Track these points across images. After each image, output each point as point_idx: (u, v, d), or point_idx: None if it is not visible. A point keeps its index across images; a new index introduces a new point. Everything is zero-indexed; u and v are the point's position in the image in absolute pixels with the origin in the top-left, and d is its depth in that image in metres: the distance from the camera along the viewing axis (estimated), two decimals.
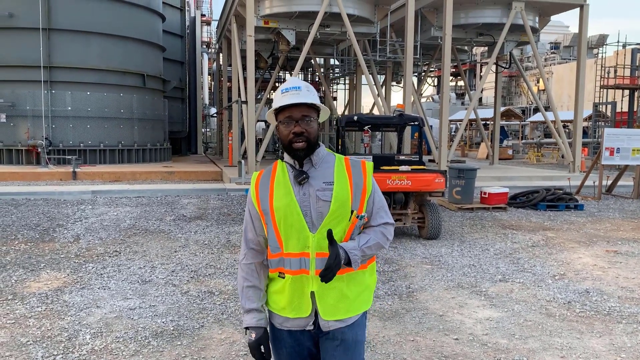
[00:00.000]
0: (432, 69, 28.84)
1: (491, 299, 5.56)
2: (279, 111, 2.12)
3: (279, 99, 2.11)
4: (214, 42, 35.87)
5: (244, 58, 17.95)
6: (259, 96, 28.59)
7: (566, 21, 57.19)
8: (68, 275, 6.29)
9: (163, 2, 24.98)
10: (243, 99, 17.40)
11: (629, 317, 5.05)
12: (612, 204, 13.09)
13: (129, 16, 21.12)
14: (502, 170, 20.18)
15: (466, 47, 25.32)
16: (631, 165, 14.44)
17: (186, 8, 30.47)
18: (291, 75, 18.96)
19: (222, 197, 13.24)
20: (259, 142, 20.54)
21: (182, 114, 29.04)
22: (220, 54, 28.51)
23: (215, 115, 35.02)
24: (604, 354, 4.21)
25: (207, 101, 38.74)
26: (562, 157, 21.32)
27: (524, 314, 5.12)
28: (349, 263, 2.06)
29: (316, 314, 2.13)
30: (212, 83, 39.25)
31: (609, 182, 14.95)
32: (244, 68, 17.38)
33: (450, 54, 18.51)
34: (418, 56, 19.82)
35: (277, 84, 31.26)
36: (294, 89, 2.09)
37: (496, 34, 19.36)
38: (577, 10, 19.18)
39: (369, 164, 2.20)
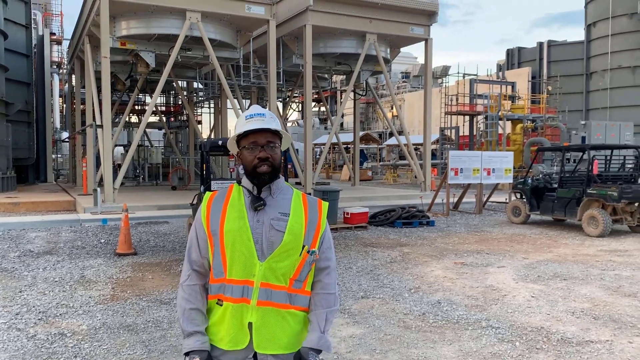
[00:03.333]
0: (296, 95, 29.67)
1: (354, 316, 5.79)
2: (242, 137, 2.12)
3: (243, 124, 2.10)
4: (65, 62, 33.47)
5: (99, 80, 17.00)
6: (117, 119, 27.17)
7: (415, 53, 62.48)
8: None
9: (5, 19, 22.83)
10: (98, 122, 16.41)
11: (474, 324, 5.55)
12: (459, 219, 14.39)
13: None
14: (363, 190, 21.27)
15: (326, 75, 26.47)
16: (473, 183, 16.03)
17: (33, 26, 28.13)
18: (151, 97, 18.22)
19: (76, 229, 12.27)
20: (117, 167, 19.45)
21: (29, 139, 26.52)
22: (73, 75, 26.69)
23: (67, 140, 32.54)
24: None
25: (58, 125, 35.87)
26: (415, 177, 23.03)
27: (384, 328, 5.40)
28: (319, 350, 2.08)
29: None
30: (64, 106, 36.49)
31: (456, 199, 16.44)
32: (100, 90, 16.45)
33: (312, 81, 19.24)
34: (281, 82, 20.29)
35: (135, 107, 30.03)
36: (258, 116, 2.10)
37: (353, 63, 20.51)
38: (423, 43, 21.04)
39: (325, 204, 2.22)
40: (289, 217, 2.09)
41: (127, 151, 21.68)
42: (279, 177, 2.15)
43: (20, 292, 6.78)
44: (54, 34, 33.09)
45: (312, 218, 2.14)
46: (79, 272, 7.92)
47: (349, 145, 33.61)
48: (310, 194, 8.98)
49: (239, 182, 2.19)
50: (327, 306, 2.15)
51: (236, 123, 2.23)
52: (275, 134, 2.13)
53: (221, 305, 2.08)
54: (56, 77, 33.31)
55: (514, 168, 18.40)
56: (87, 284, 7.23)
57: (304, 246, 2.09)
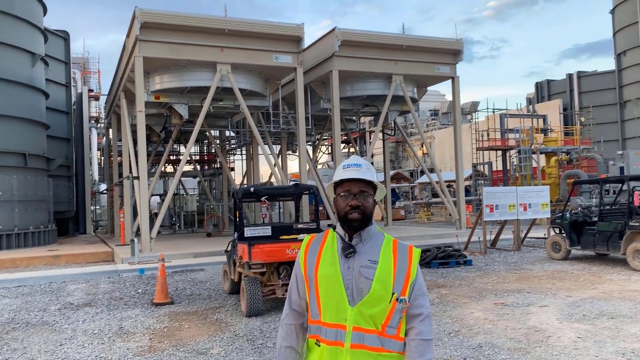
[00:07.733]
0: (325, 137, 29.99)
1: None
2: (338, 184, 2.25)
3: (340, 173, 2.24)
4: (103, 117, 34.82)
5: (134, 132, 17.59)
6: (153, 170, 27.89)
7: (442, 90, 62.60)
8: None
9: (47, 79, 24.03)
10: (135, 174, 16.87)
11: None
12: (497, 257, 14.04)
13: (10, 94, 20.01)
14: (396, 230, 21.03)
15: (354, 117, 26.75)
16: (510, 219, 15.69)
17: (72, 84, 29.51)
18: (185, 147, 18.87)
19: (114, 280, 12.47)
20: (154, 216, 19.83)
21: (68, 192, 27.42)
22: (110, 129, 27.71)
23: (105, 192, 33.48)
24: None
25: (96, 177, 37.01)
26: (450, 215, 22.71)
27: None
28: None
29: None
30: (102, 158, 37.75)
31: (493, 237, 16.09)
32: (135, 143, 16.99)
33: (340, 123, 19.47)
34: (310, 127, 20.58)
35: (170, 157, 30.81)
36: (355, 166, 2.23)
37: (380, 104, 20.70)
38: (450, 81, 21.14)
39: (416, 250, 2.26)
40: (378, 265, 2.14)
41: (163, 200, 22.13)
42: (370, 224, 2.22)
43: (60, 345, 6.88)
44: (92, 90, 34.61)
45: (401, 265, 2.17)
46: (117, 323, 8.01)
47: None
48: None
49: (334, 228, 2.29)
50: (422, 353, 2.14)
51: (335, 170, 2.34)
52: (369, 184, 2.22)
53: (319, 346, 2.15)
54: (94, 132, 34.65)
55: (551, 202, 17.98)
56: (125, 335, 7.29)
57: (393, 293, 2.12)
